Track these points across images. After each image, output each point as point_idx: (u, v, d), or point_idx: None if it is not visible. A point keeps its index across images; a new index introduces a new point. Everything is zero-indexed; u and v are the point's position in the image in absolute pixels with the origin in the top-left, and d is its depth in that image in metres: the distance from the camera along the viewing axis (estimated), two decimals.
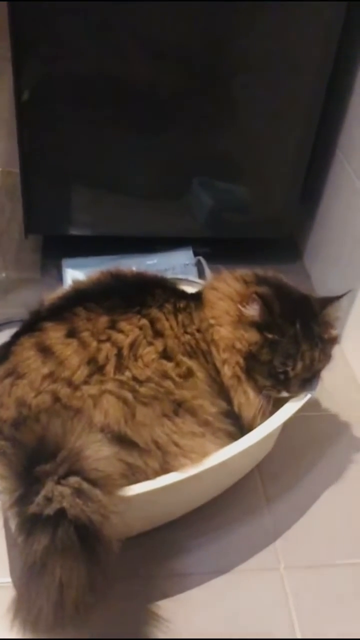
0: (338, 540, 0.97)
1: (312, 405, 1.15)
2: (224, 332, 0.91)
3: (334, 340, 0.93)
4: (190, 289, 1.04)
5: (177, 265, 1.44)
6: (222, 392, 0.91)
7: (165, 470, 0.80)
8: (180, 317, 0.91)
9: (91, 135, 1.28)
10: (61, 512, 0.67)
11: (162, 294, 0.93)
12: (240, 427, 0.91)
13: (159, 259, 1.45)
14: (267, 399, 0.90)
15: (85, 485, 0.69)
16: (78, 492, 0.68)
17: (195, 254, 1.47)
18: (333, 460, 1.08)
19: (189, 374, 0.87)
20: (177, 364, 0.87)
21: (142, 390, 0.82)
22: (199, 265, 1.45)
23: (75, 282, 0.95)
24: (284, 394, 0.90)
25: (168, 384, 0.84)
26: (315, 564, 0.93)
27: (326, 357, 0.92)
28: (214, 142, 1.33)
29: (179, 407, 0.84)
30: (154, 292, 0.92)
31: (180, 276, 1.24)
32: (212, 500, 0.98)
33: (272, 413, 0.91)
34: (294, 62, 1.23)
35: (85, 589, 0.67)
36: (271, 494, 1.02)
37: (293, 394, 0.91)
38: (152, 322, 0.88)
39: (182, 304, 0.93)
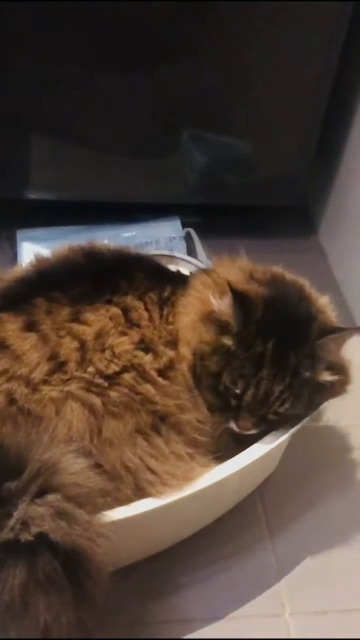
0: (354, 581, 0.97)
1: (327, 413, 1.17)
2: (186, 321, 0.91)
3: (327, 388, 0.88)
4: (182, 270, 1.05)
5: (161, 239, 1.44)
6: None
7: (140, 497, 0.81)
8: (165, 309, 0.92)
9: (51, 72, 1.27)
10: (42, 538, 0.68)
11: (144, 279, 0.93)
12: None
13: (138, 230, 1.45)
14: (218, 426, 0.88)
15: (66, 504, 0.70)
16: (59, 512, 0.69)
17: (184, 225, 1.47)
18: (351, 483, 1.09)
19: (170, 366, 0.88)
20: (157, 356, 0.88)
21: (113, 394, 0.83)
22: (188, 239, 1.45)
23: (39, 260, 0.95)
24: (233, 426, 0.88)
25: (147, 388, 0.85)
26: (326, 610, 0.94)
27: (299, 402, 0.86)
28: (209, 84, 1.33)
29: (162, 422, 0.85)
30: (132, 275, 0.92)
31: (165, 252, 1.24)
32: (205, 529, 0.99)
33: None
34: None
35: (75, 631, 0.68)
36: (275, 524, 1.02)
37: (242, 431, 0.87)
38: (126, 311, 0.89)
39: (167, 292, 0.93)
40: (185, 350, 0.89)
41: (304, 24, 1.27)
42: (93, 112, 1.33)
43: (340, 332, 0.86)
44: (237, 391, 0.86)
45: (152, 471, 0.82)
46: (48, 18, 1.21)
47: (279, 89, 1.36)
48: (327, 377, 0.87)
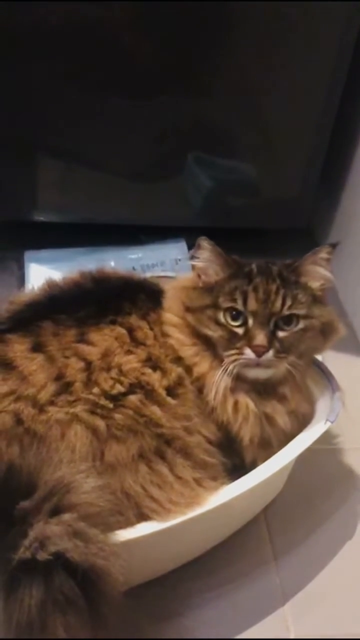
0: (358, 605, 0.97)
1: (332, 436, 1.18)
2: (169, 316, 0.94)
3: (319, 298, 0.94)
4: None
5: (167, 261, 1.46)
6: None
7: (145, 521, 0.82)
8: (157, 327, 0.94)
9: (60, 98, 1.30)
10: (60, 557, 0.68)
11: (147, 300, 0.95)
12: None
13: (144, 252, 1.47)
14: (226, 371, 0.89)
15: (81, 523, 0.70)
16: (75, 531, 0.69)
17: (190, 247, 1.47)
18: (357, 506, 1.09)
19: (179, 382, 0.89)
20: (166, 373, 0.89)
21: (117, 416, 0.84)
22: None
23: (51, 285, 0.97)
24: (249, 354, 0.87)
25: (153, 410, 0.86)
26: (331, 634, 0.93)
27: (298, 302, 0.90)
28: (213, 108, 1.35)
29: (167, 446, 0.85)
30: (135, 297, 0.95)
31: (170, 274, 1.26)
32: (211, 550, 0.99)
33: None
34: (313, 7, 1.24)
35: None
36: (280, 546, 1.02)
37: (259, 353, 0.87)
38: (131, 331, 0.91)
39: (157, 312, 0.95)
40: (185, 315, 0.93)
41: (309, 48, 1.30)
42: (100, 135, 1.36)
43: (312, 251, 0.93)
44: (238, 306, 0.89)
45: (154, 499, 0.82)
46: (56, 42, 1.24)
47: (283, 112, 1.38)
48: (312, 283, 0.94)
